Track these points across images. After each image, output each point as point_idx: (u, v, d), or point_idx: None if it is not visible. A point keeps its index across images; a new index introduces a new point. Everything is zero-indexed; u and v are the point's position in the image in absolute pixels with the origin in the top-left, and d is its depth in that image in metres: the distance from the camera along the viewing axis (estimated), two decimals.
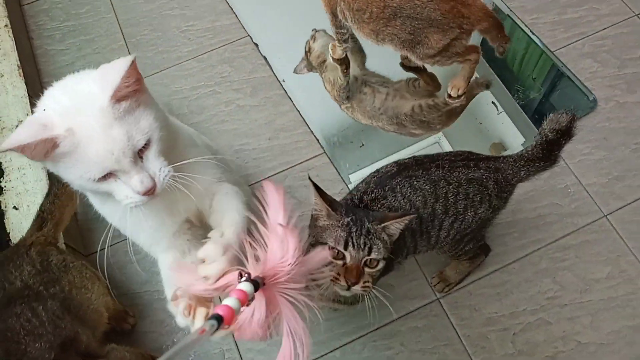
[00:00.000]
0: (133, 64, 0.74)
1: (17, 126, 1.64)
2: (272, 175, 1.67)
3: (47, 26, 1.98)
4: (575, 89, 1.69)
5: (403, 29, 1.37)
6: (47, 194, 1.40)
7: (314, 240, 1.01)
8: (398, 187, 1.07)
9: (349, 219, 0.98)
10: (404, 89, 1.72)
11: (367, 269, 0.99)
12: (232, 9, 1.94)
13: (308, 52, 1.77)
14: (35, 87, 1.79)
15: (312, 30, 1.77)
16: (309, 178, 1.01)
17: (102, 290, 1.30)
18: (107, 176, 0.77)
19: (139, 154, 0.77)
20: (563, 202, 1.52)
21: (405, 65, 1.73)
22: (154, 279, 1.53)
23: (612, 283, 1.42)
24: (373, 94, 1.70)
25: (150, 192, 0.78)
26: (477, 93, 1.71)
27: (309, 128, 1.72)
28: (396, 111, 1.69)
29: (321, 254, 0.77)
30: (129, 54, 1.82)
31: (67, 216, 1.42)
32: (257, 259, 0.72)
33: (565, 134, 1.09)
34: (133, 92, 0.76)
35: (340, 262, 0.98)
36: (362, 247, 0.96)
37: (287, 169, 1.68)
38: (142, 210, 0.81)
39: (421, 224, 1.10)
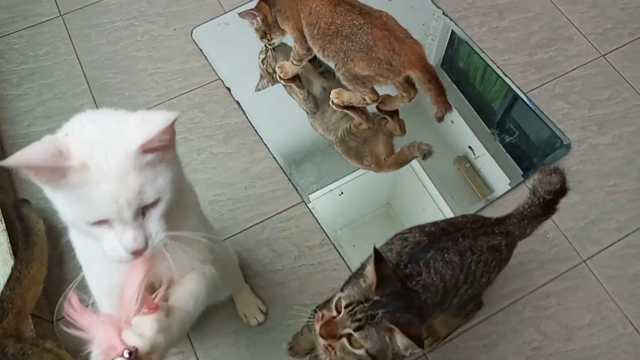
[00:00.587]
0: (173, 123, 0.70)
1: None
2: (249, 228, 1.61)
3: (3, 69, 1.86)
4: (549, 132, 1.71)
5: (341, 47, 1.44)
6: (8, 280, 1.30)
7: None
8: (432, 261, 1.04)
9: (376, 298, 0.92)
10: None
11: (344, 341, 0.93)
12: (201, 50, 1.88)
13: (273, 72, 1.78)
14: None
15: (265, 46, 1.77)
16: (374, 248, 0.96)
17: None
18: (102, 222, 0.72)
19: (143, 210, 0.73)
20: (543, 247, 1.53)
21: (380, 110, 1.72)
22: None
23: (594, 330, 1.44)
24: (334, 110, 1.71)
25: (138, 254, 0.73)
26: (414, 158, 1.68)
27: (287, 176, 1.68)
28: (339, 132, 1.72)
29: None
30: (93, 98, 1.79)
31: (32, 301, 1.31)
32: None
33: (560, 193, 1.11)
34: (162, 147, 0.71)
35: (332, 314, 0.94)
36: (355, 320, 0.91)
37: (265, 219, 1.62)
38: (115, 265, 0.77)
39: (444, 296, 1.07)
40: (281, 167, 1.69)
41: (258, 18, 1.60)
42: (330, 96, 1.68)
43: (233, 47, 1.88)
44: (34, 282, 1.35)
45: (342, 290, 0.97)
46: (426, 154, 1.64)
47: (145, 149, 0.69)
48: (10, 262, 1.43)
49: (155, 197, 0.72)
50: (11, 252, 1.46)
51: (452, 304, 1.14)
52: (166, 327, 0.76)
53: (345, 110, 1.69)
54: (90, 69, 1.85)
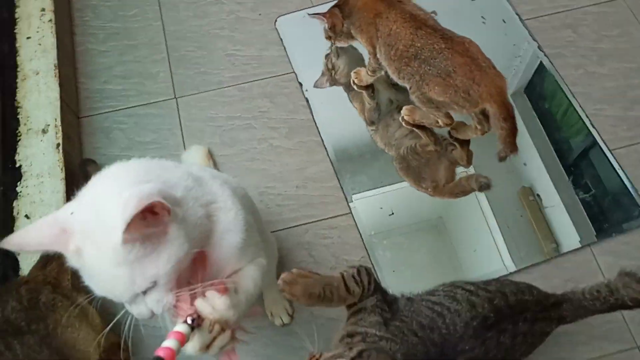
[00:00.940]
0: (156, 204, 0.66)
1: (43, 130, 1.59)
2: (292, 227, 1.59)
3: (92, 23, 1.92)
4: (630, 197, 1.58)
5: (417, 70, 1.39)
6: None
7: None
8: (488, 341, 1.01)
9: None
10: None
11: None
12: (281, 40, 1.86)
13: (332, 69, 1.75)
14: (70, 89, 1.74)
15: (332, 46, 1.72)
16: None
17: (92, 333, 1.25)
18: None
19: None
20: (595, 322, 1.39)
21: (450, 135, 1.65)
22: (136, 146, 1.68)
23: None
24: (400, 125, 1.65)
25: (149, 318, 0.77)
26: (472, 190, 1.61)
27: (339, 184, 1.64)
28: (401, 149, 1.66)
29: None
30: (170, 68, 1.82)
31: None
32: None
33: None
34: (153, 231, 0.69)
35: None
36: None
37: (310, 222, 1.60)
38: None
39: None
40: (336, 174, 1.66)
41: (326, 24, 1.56)
42: (402, 112, 1.61)
43: (313, 43, 1.83)
44: None
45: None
46: (483, 187, 1.58)
47: (130, 239, 0.65)
48: None
49: (148, 284, 0.71)
50: (65, 200, 1.51)
51: None
52: (236, 304, 0.78)
53: (415, 129, 1.63)
54: (172, 39, 1.88)
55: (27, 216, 1.49)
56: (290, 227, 1.60)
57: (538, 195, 1.61)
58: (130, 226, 0.63)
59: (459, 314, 1.03)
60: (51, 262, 1.30)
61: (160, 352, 0.65)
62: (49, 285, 1.25)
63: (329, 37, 1.61)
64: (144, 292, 0.73)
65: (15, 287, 1.20)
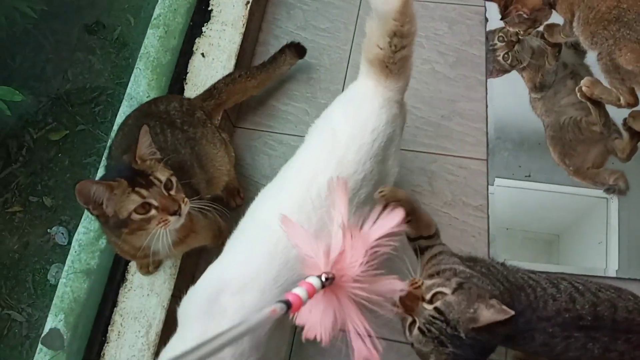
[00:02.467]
0: None
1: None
2: (423, 152, 1.60)
3: (281, 25, 1.85)
4: None
5: (613, 35, 1.29)
6: (227, 75, 1.51)
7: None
8: (573, 339, 0.97)
9: (464, 337, 0.88)
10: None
11: (408, 319, 0.91)
12: None
13: (510, 62, 1.68)
14: None
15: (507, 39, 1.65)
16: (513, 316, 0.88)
17: (228, 158, 1.40)
18: None
19: None
20: None
21: (625, 123, 1.50)
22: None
23: None
24: (570, 91, 1.56)
25: None
26: (608, 186, 1.49)
27: (486, 129, 1.59)
28: (563, 117, 1.57)
29: (396, 284, 0.74)
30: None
31: (231, 102, 1.52)
32: (326, 254, 0.72)
33: None
34: None
35: (424, 298, 0.91)
36: (426, 325, 0.89)
37: (441, 154, 1.59)
38: None
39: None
40: (486, 120, 1.60)
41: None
42: (582, 83, 1.50)
43: None
44: (242, 92, 1.54)
45: (452, 291, 0.91)
46: (614, 190, 1.47)
47: None
48: (233, 61, 1.63)
49: None
50: (237, 53, 1.65)
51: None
52: None
53: (589, 103, 1.51)
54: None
55: (202, 54, 1.67)
56: (420, 152, 1.60)
57: None
58: None
59: (554, 298, 1.00)
60: (210, 99, 1.46)
61: (289, 297, 0.63)
62: (203, 111, 1.41)
63: (532, 23, 1.50)
64: None
65: (179, 98, 1.38)
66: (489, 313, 0.87)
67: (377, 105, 1.06)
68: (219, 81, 1.50)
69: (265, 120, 1.69)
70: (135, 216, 1.00)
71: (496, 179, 1.55)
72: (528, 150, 1.58)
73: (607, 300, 1.02)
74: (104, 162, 1.37)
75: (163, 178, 1.04)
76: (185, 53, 1.67)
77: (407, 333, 0.92)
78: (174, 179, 1.06)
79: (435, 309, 0.88)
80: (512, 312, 0.86)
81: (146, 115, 1.26)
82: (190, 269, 1.48)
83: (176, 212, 1.02)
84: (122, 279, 1.39)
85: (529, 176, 1.54)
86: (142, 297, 1.36)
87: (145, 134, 1.05)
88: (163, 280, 1.37)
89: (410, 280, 0.95)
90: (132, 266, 1.40)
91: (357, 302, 0.71)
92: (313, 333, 0.70)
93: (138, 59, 1.63)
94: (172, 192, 1.05)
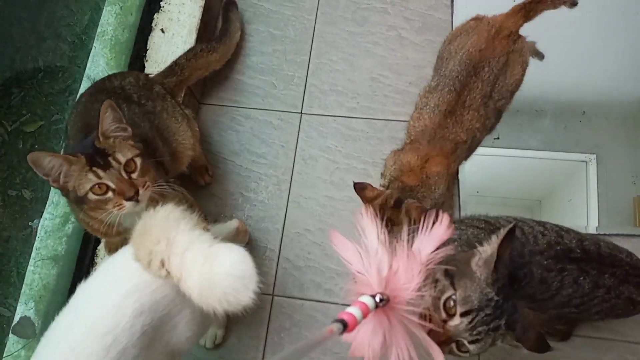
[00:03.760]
0: None
1: None
2: (392, 120, 1.58)
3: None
4: None
5: None
6: (188, 51, 1.46)
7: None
8: (567, 272, 0.98)
9: (497, 298, 0.81)
10: None
11: (452, 346, 0.83)
12: None
13: None
14: None
15: None
16: (511, 228, 0.83)
17: (191, 132, 1.36)
18: None
19: None
20: None
21: None
22: (244, 154, 1.59)
23: None
24: None
25: None
26: None
27: None
28: None
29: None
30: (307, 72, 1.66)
31: (194, 78, 1.48)
32: (379, 272, 0.70)
33: None
34: None
35: (442, 316, 0.82)
36: (475, 334, 0.80)
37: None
38: None
39: (547, 300, 1.01)
40: None
41: None
42: None
43: None
44: (205, 67, 1.50)
45: (451, 282, 0.82)
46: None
47: None
48: (194, 36, 1.59)
49: None
50: (198, 27, 1.61)
51: (547, 309, 1.06)
52: None
53: None
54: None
55: (162, 30, 1.62)
56: (389, 120, 1.59)
57: None
58: None
59: (543, 234, 1.01)
60: (172, 76, 1.41)
61: (344, 316, 0.61)
62: (162, 87, 1.36)
63: None
64: None
65: (136, 73, 1.33)
66: (488, 244, 0.83)
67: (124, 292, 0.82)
68: (180, 57, 1.46)
69: (231, 95, 1.66)
70: (92, 196, 0.97)
71: None
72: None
73: (589, 238, 1.05)
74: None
75: (123, 159, 1.00)
76: (143, 29, 1.62)
77: (462, 354, 0.83)
78: (138, 161, 1.02)
79: (462, 315, 0.80)
80: None
81: (100, 91, 1.22)
82: None
83: (132, 198, 0.98)
84: (91, 264, 1.37)
85: (498, 139, 1.54)
86: None
87: (106, 109, 1.00)
88: None
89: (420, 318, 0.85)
90: (101, 250, 1.38)
91: (406, 327, 0.70)
92: (360, 353, 0.68)
93: (95, 38, 1.58)
94: (134, 175, 1.01)
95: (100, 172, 0.97)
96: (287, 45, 1.71)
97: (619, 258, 1.04)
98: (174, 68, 1.43)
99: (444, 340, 0.80)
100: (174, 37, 1.60)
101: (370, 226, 0.73)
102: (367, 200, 1.19)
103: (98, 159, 0.98)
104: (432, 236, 0.73)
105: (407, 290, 0.68)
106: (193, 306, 0.80)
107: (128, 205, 0.98)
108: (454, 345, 0.82)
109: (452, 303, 0.81)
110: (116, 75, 1.30)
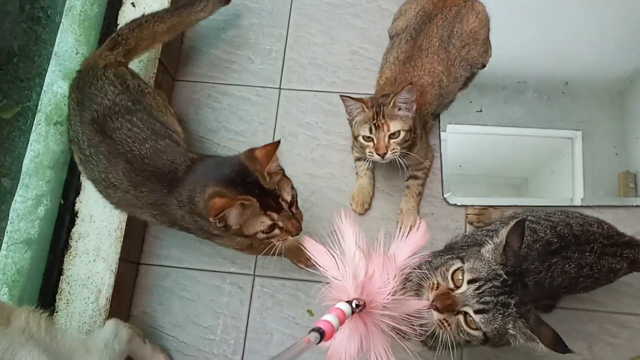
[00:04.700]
0: None
1: None
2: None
3: None
4: None
5: None
6: (133, 20, 1.35)
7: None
8: (554, 267, 1.00)
9: (505, 276, 0.83)
10: None
11: (460, 318, 0.84)
12: None
13: None
14: None
15: None
16: (519, 221, 0.85)
17: (174, 119, 1.32)
18: None
19: None
20: None
21: None
22: (222, 132, 1.54)
23: None
24: None
25: None
26: None
27: None
28: None
29: (421, 303, 0.78)
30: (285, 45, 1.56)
31: (142, 49, 1.36)
32: (355, 278, 0.71)
33: None
34: None
35: (449, 285, 0.85)
36: (482, 302, 0.81)
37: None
38: None
39: (540, 294, 1.04)
40: None
41: None
42: None
43: None
44: (152, 38, 1.38)
45: (461, 260, 0.86)
46: None
47: None
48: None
49: None
50: (170, 2, 1.54)
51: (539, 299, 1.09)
52: None
53: None
54: None
55: (132, 4, 1.56)
56: (371, 94, 1.55)
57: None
58: None
59: (527, 243, 1.02)
60: (118, 47, 1.30)
61: (321, 324, 0.62)
62: (124, 66, 1.29)
63: None
64: None
65: (100, 73, 1.22)
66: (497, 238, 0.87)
67: None
68: (122, 27, 1.34)
69: (206, 71, 1.61)
70: (261, 235, 1.00)
71: (449, 125, 1.51)
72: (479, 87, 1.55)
73: (560, 221, 1.07)
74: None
75: (289, 197, 1.02)
76: (113, 3, 1.56)
77: (471, 329, 0.83)
78: (295, 193, 1.05)
79: (469, 282, 0.83)
80: None
81: (105, 117, 1.16)
82: (139, 232, 1.43)
83: (298, 230, 1.03)
84: (66, 246, 1.33)
85: (481, 111, 1.52)
86: (88, 263, 1.31)
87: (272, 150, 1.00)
88: (109, 245, 1.32)
89: (429, 287, 0.88)
90: (76, 232, 1.34)
91: (384, 331, 0.71)
92: (337, 357, 0.69)
93: (63, 15, 1.51)
94: (294, 210, 1.04)
95: (275, 215, 0.99)
96: (263, 18, 1.65)
97: (591, 232, 1.05)
98: (117, 39, 1.31)
99: (449, 305, 0.82)
100: (145, 11, 1.53)
101: (348, 229, 0.75)
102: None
103: (270, 201, 0.99)
104: (409, 241, 0.75)
105: (383, 295, 0.69)
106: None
107: (291, 239, 1.05)
108: (462, 319, 0.83)
109: (460, 275, 0.84)
110: (93, 91, 1.19)
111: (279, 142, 1.00)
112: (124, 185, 1.10)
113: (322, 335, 0.60)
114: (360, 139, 1.24)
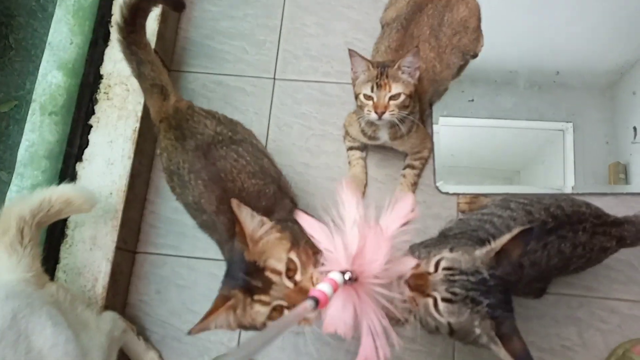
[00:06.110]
0: None
1: None
2: None
3: None
4: None
5: None
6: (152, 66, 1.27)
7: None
8: (549, 245, 1.03)
9: (486, 276, 0.82)
10: None
11: (429, 302, 0.84)
12: None
13: None
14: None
15: None
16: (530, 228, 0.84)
17: None
18: None
19: None
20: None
21: None
22: None
23: None
24: None
25: None
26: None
27: None
28: None
29: (408, 262, 0.80)
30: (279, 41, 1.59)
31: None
32: (346, 249, 0.73)
33: None
34: None
35: (429, 269, 0.86)
36: (450, 291, 0.82)
37: None
38: None
39: (536, 276, 1.07)
40: None
41: None
42: None
43: None
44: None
45: (450, 250, 0.87)
46: None
47: None
48: None
49: None
50: None
51: (533, 282, 1.13)
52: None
53: None
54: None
55: None
56: None
57: (635, 127, 1.47)
58: None
59: (514, 219, 1.05)
60: (160, 89, 1.25)
61: (315, 293, 0.63)
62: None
63: None
64: None
65: (188, 110, 1.19)
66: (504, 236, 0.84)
67: None
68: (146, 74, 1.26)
69: (201, 61, 1.61)
70: (269, 322, 0.82)
71: (440, 118, 1.53)
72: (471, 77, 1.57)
73: (551, 203, 1.09)
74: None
75: (280, 266, 0.81)
76: None
77: (437, 315, 0.83)
78: (294, 256, 0.82)
79: (444, 269, 0.83)
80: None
81: (207, 148, 1.09)
82: (135, 220, 1.44)
83: (317, 305, 0.73)
84: (62, 235, 1.33)
85: (472, 100, 1.54)
86: (85, 252, 1.32)
87: (240, 209, 0.83)
88: (105, 233, 1.33)
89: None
90: (72, 221, 1.35)
91: (375, 300, 0.73)
92: (333, 327, 0.71)
93: (57, 5, 1.51)
94: (297, 277, 0.81)
95: (265, 298, 0.80)
96: (258, 9, 1.66)
97: (582, 212, 1.08)
98: (156, 84, 1.25)
99: (419, 285, 0.83)
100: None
101: (350, 198, 0.76)
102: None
103: (254, 281, 0.80)
104: (398, 214, 0.77)
105: (374, 265, 0.72)
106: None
107: (312, 316, 0.79)
108: (430, 303, 0.84)
109: (443, 263, 0.85)
110: (192, 124, 1.13)
111: (235, 201, 0.84)
112: (211, 208, 1.04)
113: (317, 303, 0.63)
114: (361, 96, 1.25)
